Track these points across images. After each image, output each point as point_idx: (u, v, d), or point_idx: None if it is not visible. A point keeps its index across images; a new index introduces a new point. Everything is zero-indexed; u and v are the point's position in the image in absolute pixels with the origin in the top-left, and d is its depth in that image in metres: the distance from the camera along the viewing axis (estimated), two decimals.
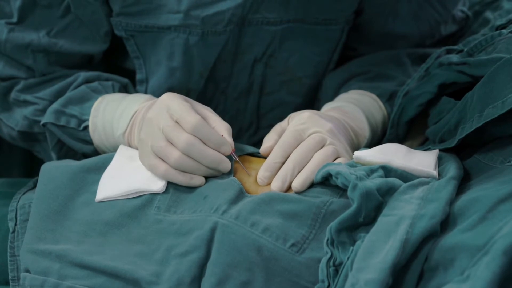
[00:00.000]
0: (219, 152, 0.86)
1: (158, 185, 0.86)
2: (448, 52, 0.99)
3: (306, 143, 0.87)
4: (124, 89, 1.09)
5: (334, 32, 1.09)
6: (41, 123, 1.03)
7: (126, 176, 0.88)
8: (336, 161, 0.86)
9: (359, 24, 1.12)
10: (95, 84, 1.04)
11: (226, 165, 0.86)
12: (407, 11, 1.10)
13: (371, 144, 1.01)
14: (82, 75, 1.05)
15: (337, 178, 0.80)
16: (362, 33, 1.14)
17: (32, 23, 1.01)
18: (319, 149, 0.87)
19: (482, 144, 0.88)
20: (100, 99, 1.02)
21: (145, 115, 0.90)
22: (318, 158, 0.86)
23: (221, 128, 0.87)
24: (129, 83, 1.09)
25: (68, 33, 1.03)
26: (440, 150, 0.90)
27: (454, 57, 0.95)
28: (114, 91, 1.05)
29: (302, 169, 0.85)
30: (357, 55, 1.17)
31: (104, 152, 1.03)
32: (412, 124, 1.05)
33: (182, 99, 0.88)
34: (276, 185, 0.85)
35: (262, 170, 0.87)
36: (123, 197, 0.86)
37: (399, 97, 1.03)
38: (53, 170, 0.93)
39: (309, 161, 0.86)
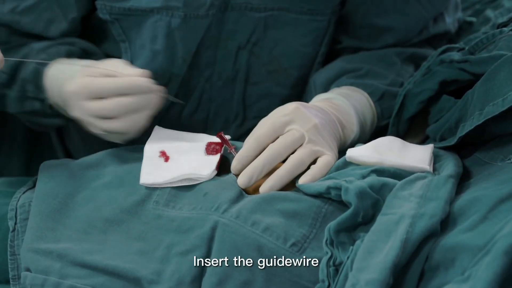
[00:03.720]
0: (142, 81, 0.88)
1: (207, 171, 0.86)
2: (449, 50, 0.98)
3: (283, 139, 0.86)
4: (83, 52, 1.07)
5: (320, 23, 1.09)
6: (11, 112, 1.03)
7: (172, 164, 0.88)
8: (318, 162, 0.85)
9: (344, 15, 1.11)
10: (42, 56, 1.02)
11: (144, 83, 0.88)
12: (391, 3, 1.09)
13: (357, 142, 1.00)
14: (35, 48, 1.03)
15: (329, 193, 0.80)
16: (347, 25, 1.13)
17: None
18: (296, 147, 0.86)
19: (482, 142, 0.88)
20: (45, 74, 0.99)
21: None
22: (291, 162, 0.85)
23: (128, 71, 0.90)
24: (89, 45, 1.08)
25: (34, 12, 1.03)
26: (440, 148, 0.90)
27: (456, 55, 0.95)
28: (60, 56, 1.02)
29: (272, 170, 0.85)
30: (342, 48, 1.16)
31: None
32: (413, 122, 1.05)
33: (82, 77, 0.90)
34: (241, 180, 0.84)
35: (235, 160, 0.86)
36: (172, 184, 0.86)
37: (400, 95, 1.03)
38: (52, 168, 0.93)
39: (282, 159, 0.85)
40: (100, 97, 0.89)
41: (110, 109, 0.88)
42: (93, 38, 1.11)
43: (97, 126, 0.91)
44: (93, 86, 0.89)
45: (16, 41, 1.05)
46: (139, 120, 0.90)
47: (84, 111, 0.90)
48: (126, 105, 0.88)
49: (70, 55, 1.03)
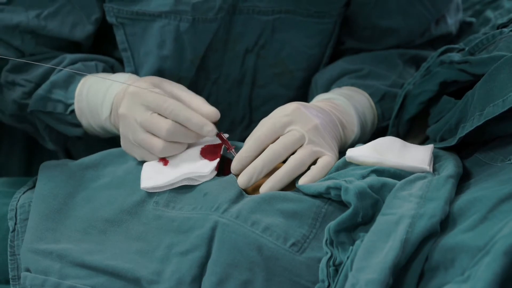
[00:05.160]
0: (201, 133, 0.87)
1: (207, 171, 0.85)
2: (449, 50, 0.98)
3: (283, 140, 0.86)
4: (111, 69, 1.08)
5: (327, 25, 1.09)
6: (28, 110, 1.03)
7: (171, 167, 0.88)
8: (318, 162, 0.85)
9: (347, 16, 1.11)
10: (78, 65, 1.04)
11: (208, 127, 0.87)
12: (395, 5, 1.09)
13: (358, 142, 1.00)
14: (68, 57, 1.05)
15: (328, 193, 0.80)
16: (350, 26, 1.13)
17: (23, 4, 1.01)
18: (296, 148, 0.86)
19: (483, 143, 0.88)
20: (82, 81, 1.01)
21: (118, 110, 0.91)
22: (292, 163, 0.85)
23: (196, 102, 0.89)
24: (116, 62, 1.09)
25: (58, 17, 1.03)
26: (441, 149, 0.90)
27: (456, 56, 0.95)
28: (97, 71, 1.05)
29: (272, 170, 0.85)
30: (345, 49, 1.16)
31: (95, 132, 1.03)
32: (413, 123, 1.05)
33: (151, 85, 0.89)
34: (241, 180, 0.84)
35: (235, 161, 0.86)
36: (172, 186, 0.86)
37: (399, 96, 1.03)
38: (52, 169, 0.93)
39: (282, 160, 0.85)
40: (159, 112, 0.87)
41: (165, 129, 0.86)
42: (104, 43, 1.11)
43: (136, 134, 0.88)
44: (162, 101, 0.87)
45: (42, 53, 1.06)
46: (175, 149, 0.88)
47: (136, 114, 0.88)
48: (179, 133, 0.87)
49: (104, 72, 1.04)
